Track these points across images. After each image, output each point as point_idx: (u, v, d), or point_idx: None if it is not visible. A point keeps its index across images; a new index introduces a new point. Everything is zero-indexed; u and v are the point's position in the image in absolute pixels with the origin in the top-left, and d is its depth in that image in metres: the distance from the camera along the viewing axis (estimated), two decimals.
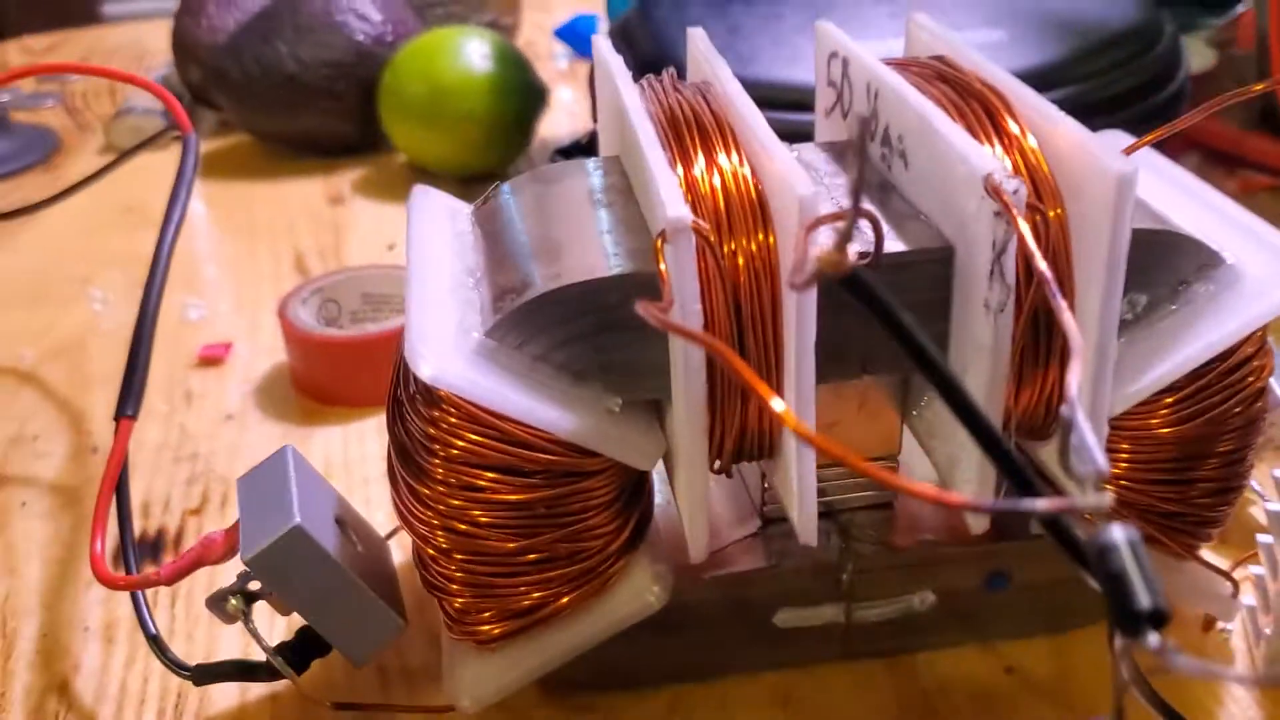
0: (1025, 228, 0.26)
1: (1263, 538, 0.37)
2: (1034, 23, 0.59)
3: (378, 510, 0.44)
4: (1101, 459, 0.19)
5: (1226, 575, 0.37)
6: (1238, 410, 0.34)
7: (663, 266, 0.27)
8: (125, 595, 0.40)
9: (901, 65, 0.37)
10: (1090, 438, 0.19)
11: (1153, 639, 0.17)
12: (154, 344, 0.43)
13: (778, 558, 0.37)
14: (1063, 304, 0.24)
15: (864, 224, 0.32)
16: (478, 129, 0.71)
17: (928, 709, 0.36)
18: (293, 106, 0.77)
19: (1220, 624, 0.39)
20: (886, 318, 0.19)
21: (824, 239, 0.29)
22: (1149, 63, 0.59)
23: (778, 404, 0.20)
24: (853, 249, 0.27)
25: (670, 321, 0.23)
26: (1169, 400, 0.34)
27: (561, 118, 0.86)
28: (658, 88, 0.35)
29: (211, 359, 0.57)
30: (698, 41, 0.39)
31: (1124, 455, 0.35)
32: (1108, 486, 0.36)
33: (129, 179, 0.68)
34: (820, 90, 0.41)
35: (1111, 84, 0.57)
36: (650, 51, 0.62)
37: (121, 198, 0.75)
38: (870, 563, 0.37)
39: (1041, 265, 0.25)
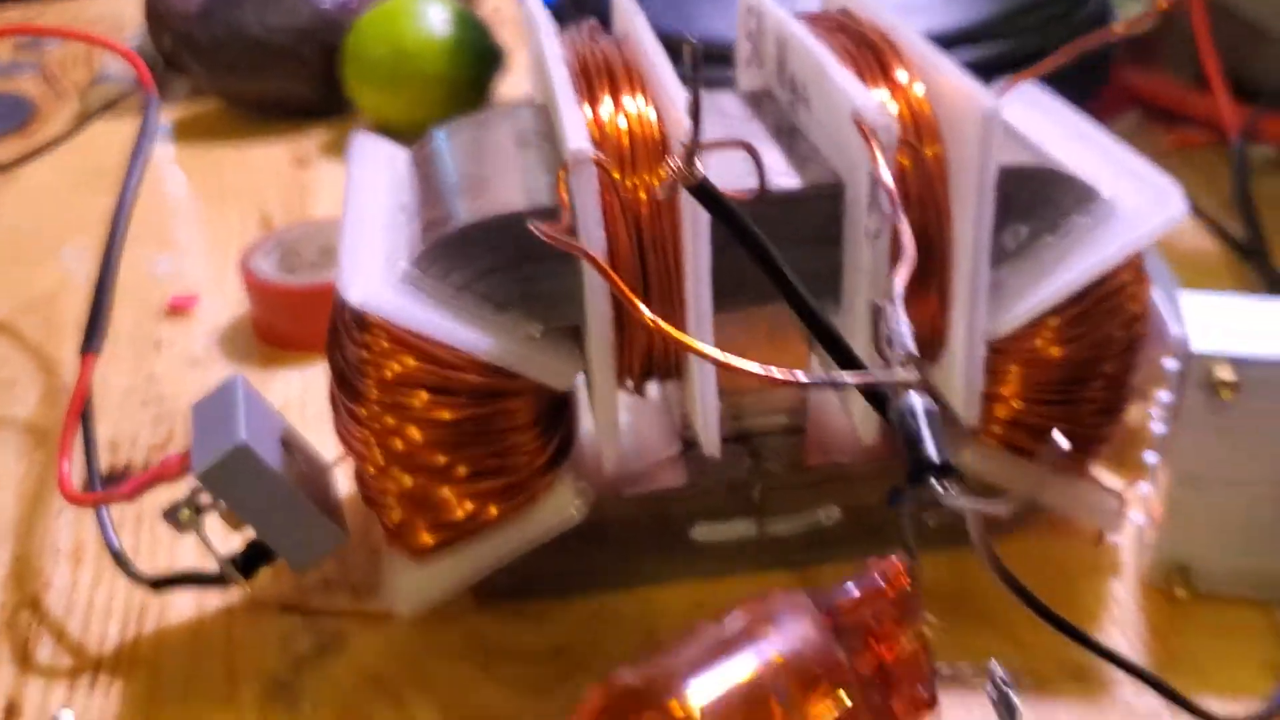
0: (879, 153, 0.29)
1: (1149, 457, 0.40)
2: None
3: (330, 446, 0.47)
4: (910, 342, 0.21)
5: (1113, 492, 0.40)
6: (1118, 333, 0.37)
7: (564, 195, 0.30)
8: (93, 522, 0.43)
9: (810, 19, 0.40)
10: (903, 325, 0.22)
11: (937, 486, 0.20)
12: (123, 294, 0.46)
13: (695, 476, 0.40)
14: (902, 217, 0.26)
15: (768, 161, 0.34)
16: (437, 89, 0.74)
17: None
18: (260, 70, 0.79)
19: (1109, 537, 0.42)
20: (729, 219, 0.22)
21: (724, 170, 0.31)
22: (1077, 20, 0.61)
23: (645, 310, 0.23)
24: (749, 183, 0.30)
25: (556, 235, 0.25)
26: (1053, 323, 0.37)
27: (525, 78, 0.89)
28: (576, 38, 0.38)
29: (179, 309, 0.59)
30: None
31: (1015, 377, 0.38)
32: (1001, 411, 0.39)
33: (103, 145, 0.70)
34: (740, 43, 0.43)
35: (1039, 40, 0.60)
36: (599, 12, 0.64)
37: (95, 162, 0.77)
38: (779, 480, 0.39)
39: (888, 180, 0.28)
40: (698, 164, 0.21)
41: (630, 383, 0.36)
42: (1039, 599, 0.30)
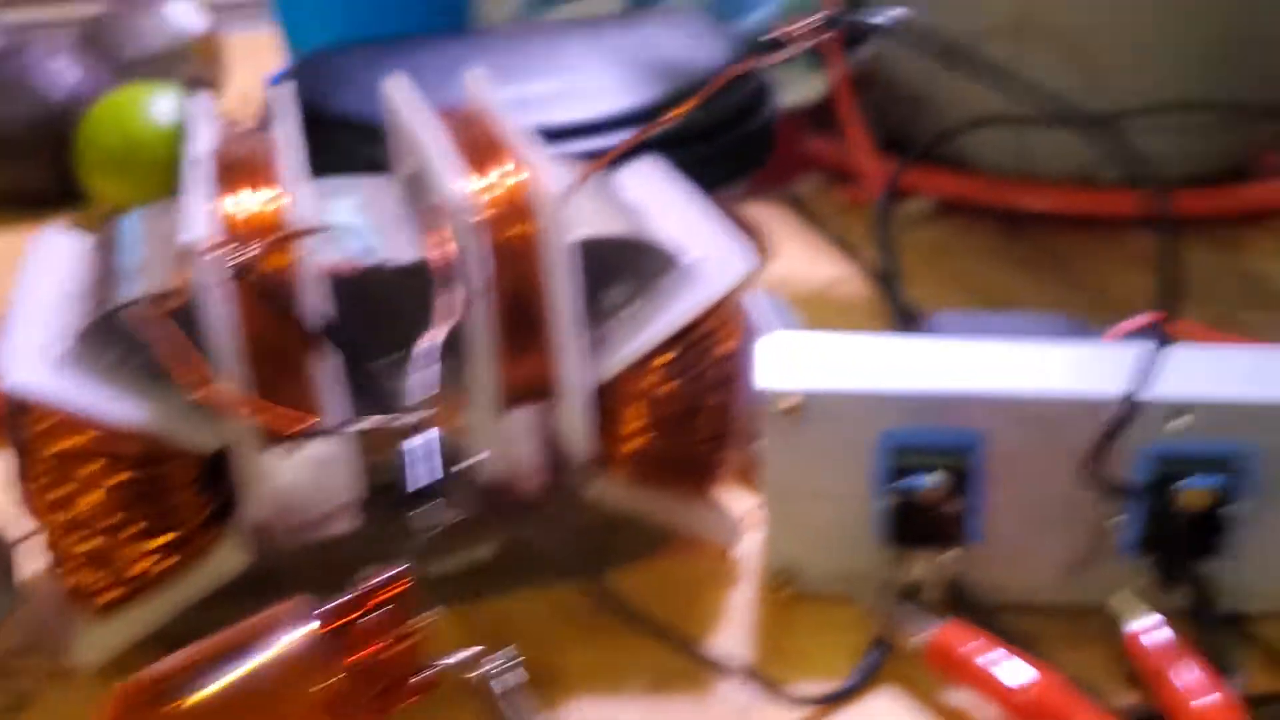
0: (452, 233, 0.34)
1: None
2: (635, 68, 0.68)
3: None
4: (425, 388, 0.27)
5: (727, 512, 0.47)
6: (713, 371, 0.44)
7: (182, 284, 0.35)
8: None
9: (445, 113, 0.46)
10: (421, 374, 0.27)
11: (429, 507, 0.25)
12: None
13: (363, 524, 0.44)
14: (453, 286, 0.32)
15: (404, 239, 0.40)
16: (168, 175, 0.77)
17: (497, 637, 0.44)
18: None
19: (732, 550, 0.48)
20: (276, 300, 0.27)
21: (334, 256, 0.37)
22: (735, 100, 0.69)
23: (198, 365, 0.28)
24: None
25: (145, 314, 0.29)
26: (657, 364, 0.43)
27: None
28: (227, 133, 0.43)
29: None
30: (274, 97, 0.46)
31: (634, 414, 0.44)
32: (626, 446, 0.44)
33: None
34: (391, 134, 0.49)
35: (701, 119, 0.66)
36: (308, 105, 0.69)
37: None
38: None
39: (450, 253, 0.33)
40: (239, 258, 0.26)
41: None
42: (634, 610, 0.36)
